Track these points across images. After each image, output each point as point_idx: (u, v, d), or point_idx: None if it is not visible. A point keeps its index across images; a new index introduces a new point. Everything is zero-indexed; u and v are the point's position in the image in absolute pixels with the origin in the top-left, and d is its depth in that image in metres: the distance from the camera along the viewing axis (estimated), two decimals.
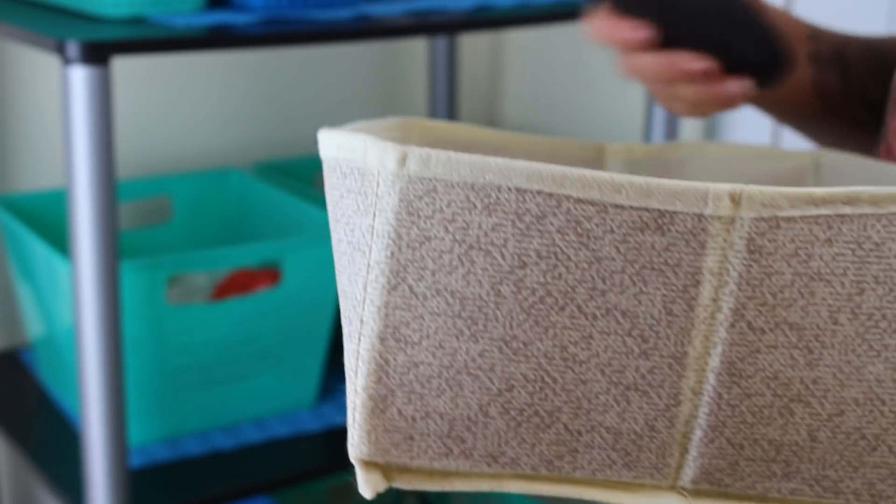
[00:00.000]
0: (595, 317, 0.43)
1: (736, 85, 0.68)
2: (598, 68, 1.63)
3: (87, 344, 1.03)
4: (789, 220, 0.43)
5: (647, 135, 1.46)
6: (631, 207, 0.43)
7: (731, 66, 0.68)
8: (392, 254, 0.43)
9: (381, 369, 0.44)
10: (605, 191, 0.42)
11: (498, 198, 0.42)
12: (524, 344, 0.43)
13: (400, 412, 0.44)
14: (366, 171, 0.43)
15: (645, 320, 0.43)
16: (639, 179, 0.42)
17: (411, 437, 0.44)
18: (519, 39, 1.75)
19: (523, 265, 0.43)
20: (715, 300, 0.44)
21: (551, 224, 0.42)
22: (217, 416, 1.28)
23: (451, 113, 1.66)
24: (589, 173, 0.42)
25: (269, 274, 1.30)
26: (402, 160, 0.42)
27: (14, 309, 1.48)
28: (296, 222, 1.38)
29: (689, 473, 0.46)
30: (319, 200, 1.38)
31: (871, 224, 0.44)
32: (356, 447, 0.44)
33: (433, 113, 1.67)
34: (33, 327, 1.33)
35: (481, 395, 0.44)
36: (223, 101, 1.56)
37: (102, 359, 1.04)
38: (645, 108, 1.47)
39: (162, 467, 1.21)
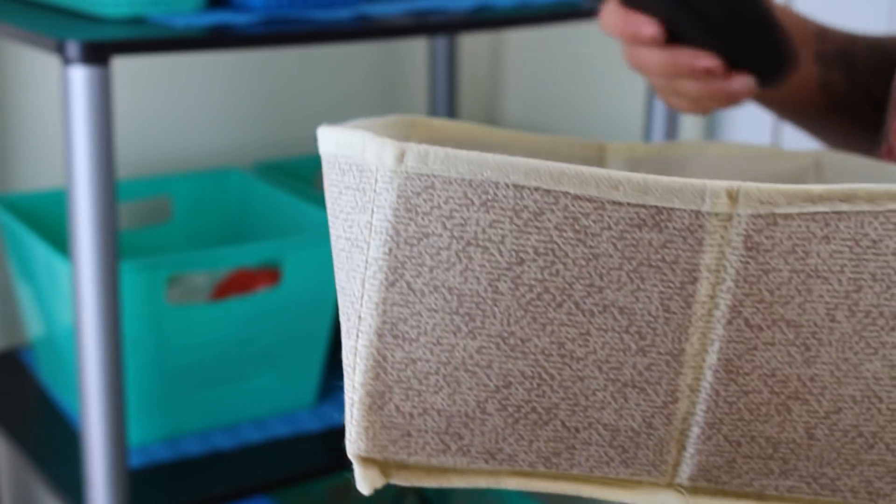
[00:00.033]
0: (592, 313, 0.43)
1: (739, 83, 0.68)
2: (598, 68, 1.63)
3: (87, 344, 1.04)
4: (787, 217, 0.43)
5: (647, 134, 1.46)
6: (628, 204, 0.43)
7: (735, 63, 0.68)
8: (390, 250, 0.43)
9: (378, 365, 0.44)
10: (602, 187, 0.42)
11: (496, 194, 0.42)
12: (521, 340, 0.43)
13: (398, 408, 0.44)
14: (364, 168, 0.44)
15: (642, 317, 0.43)
16: (636, 176, 0.43)
17: (409, 434, 0.44)
18: (519, 39, 1.75)
19: (521, 262, 0.43)
20: (712, 297, 0.44)
21: (549, 221, 0.43)
22: (217, 416, 1.28)
23: (451, 113, 1.66)
24: (586, 170, 0.42)
25: (269, 274, 1.30)
26: (400, 156, 0.43)
27: (14, 309, 1.48)
28: (296, 222, 1.38)
29: (686, 470, 0.46)
30: (319, 200, 1.38)
31: (868, 221, 0.44)
32: (354, 443, 0.44)
33: (433, 113, 1.67)
34: (33, 327, 1.33)
35: (479, 391, 0.44)
36: (223, 101, 1.56)
37: (102, 359, 1.04)
38: (645, 107, 1.47)
39: (162, 467, 1.21)
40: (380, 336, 0.43)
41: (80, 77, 0.98)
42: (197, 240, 1.49)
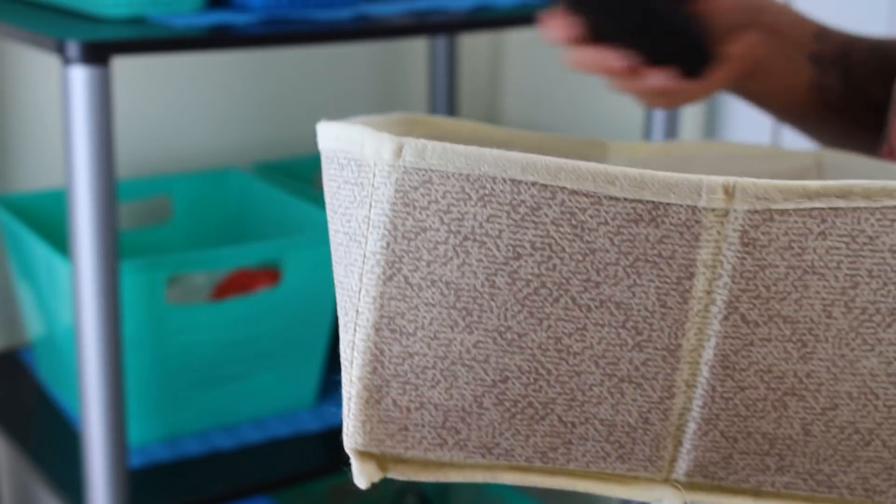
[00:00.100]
0: (589, 308, 0.43)
1: (654, 78, 0.70)
2: None
3: (87, 344, 1.04)
4: (783, 212, 0.43)
5: (647, 134, 1.46)
6: (625, 199, 0.43)
7: (652, 59, 0.70)
8: (388, 244, 0.43)
9: (376, 359, 0.44)
10: (599, 182, 0.43)
11: (493, 189, 0.42)
12: (518, 335, 0.43)
13: (395, 402, 0.44)
14: (362, 162, 0.44)
15: (639, 312, 0.44)
16: (633, 171, 0.43)
17: (406, 428, 0.44)
18: (519, 39, 1.75)
19: (518, 256, 0.43)
20: (709, 292, 0.44)
21: (546, 215, 0.43)
22: (217, 416, 1.28)
23: (452, 113, 1.66)
24: (583, 165, 0.42)
25: (269, 274, 1.30)
26: (398, 151, 0.43)
27: (14, 309, 1.48)
28: (296, 222, 1.38)
29: (682, 466, 0.46)
30: (319, 200, 1.39)
31: (864, 217, 0.44)
32: (351, 437, 0.44)
33: (433, 113, 1.67)
34: (33, 327, 1.33)
35: (476, 386, 0.44)
36: (223, 101, 1.56)
37: (102, 359, 1.04)
38: (645, 107, 1.47)
39: (162, 467, 1.21)
40: (377, 330, 0.44)
41: (80, 77, 0.98)
42: (197, 240, 1.49)
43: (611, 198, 0.43)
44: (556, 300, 0.43)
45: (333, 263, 0.45)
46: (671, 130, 1.43)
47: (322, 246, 1.26)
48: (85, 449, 1.06)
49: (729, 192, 0.43)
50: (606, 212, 0.43)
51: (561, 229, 0.43)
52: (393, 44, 1.67)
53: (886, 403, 0.45)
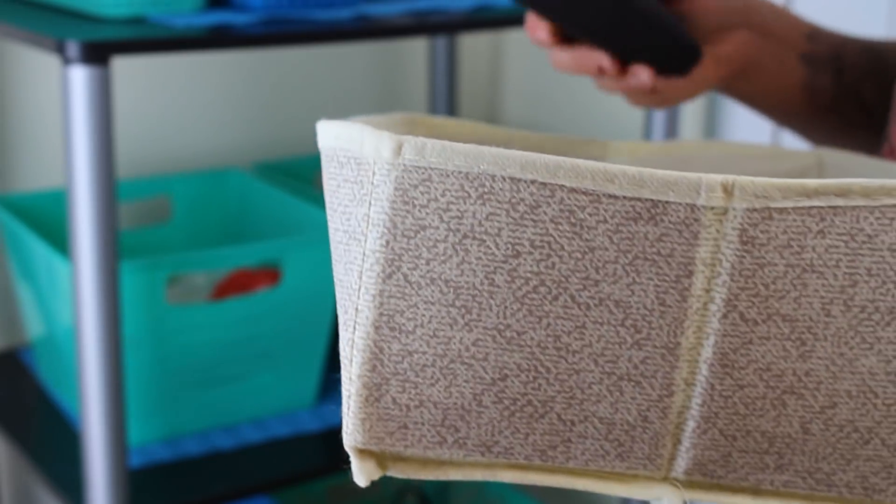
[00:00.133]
0: (588, 307, 0.43)
1: (634, 78, 0.70)
2: None
3: (87, 344, 1.04)
4: (782, 211, 0.43)
5: (646, 134, 1.46)
6: (624, 197, 0.43)
7: (632, 58, 0.70)
8: (387, 242, 0.43)
9: (375, 358, 0.44)
10: (598, 180, 0.43)
11: (492, 187, 0.42)
12: (517, 333, 0.43)
13: (394, 401, 0.44)
14: (362, 161, 0.44)
15: (638, 310, 0.44)
16: (632, 169, 0.43)
17: (405, 426, 0.44)
18: (519, 39, 1.75)
19: (517, 254, 0.43)
20: (707, 291, 0.44)
21: (545, 213, 0.43)
22: (217, 416, 1.28)
23: (452, 113, 1.66)
24: (582, 163, 0.42)
25: (269, 274, 1.30)
26: (398, 149, 0.43)
27: (14, 309, 1.48)
28: (296, 222, 1.38)
29: (681, 464, 0.46)
30: (319, 200, 1.39)
31: (863, 216, 0.44)
32: (350, 435, 0.44)
33: (433, 113, 1.67)
34: (33, 327, 1.33)
35: (475, 384, 0.44)
36: (223, 101, 1.56)
37: (102, 359, 1.04)
38: (635, 106, 1.47)
39: (162, 467, 1.21)
40: (377, 328, 0.44)
41: (80, 77, 0.98)
42: (197, 240, 1.49)
43: (610, 196, 0.43)
44: (555, 298, 0.43)
45: (333, 262, 0.45)
46: (671, 130, 1.43)
47: (322, 246, 1.26)
48: (85, 449, 1.06)
49: (728, 190, 0.43)
50: (605, 210, 0.43)
51: (560, 227, 0.43)
52: (393, 44, 1.67)
53: (885, 402, 0.45)
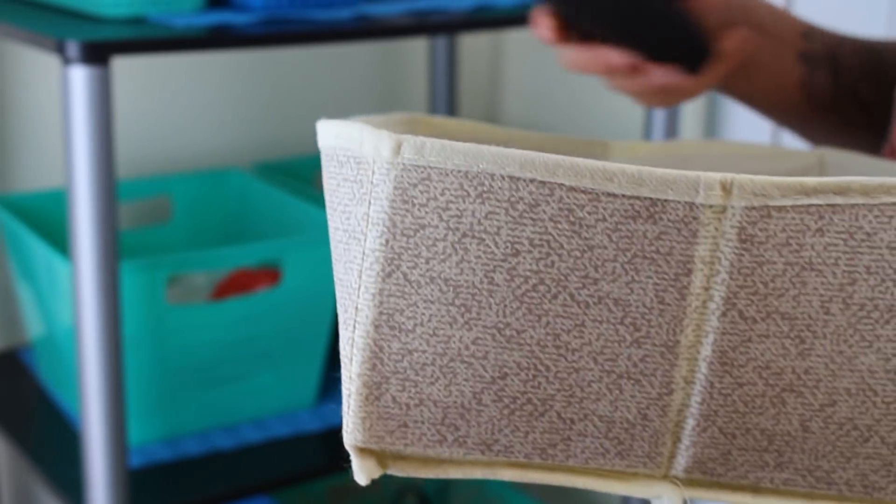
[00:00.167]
0: (587, 305, 0.43)
1: (658, 75, 0.70)
2: None
3: (87, 344, 1.04)
4: (780, 209, 0.43)
5: (646, 134, 1.46)
6: (623, 196, 0.43)
7: (651, 57, 0.70)
8: (387, 241, 0.43)
9: (375, 356, 0.44)
10: (597, 179, 0.43)
11: (491, 186, 0.43)
12: (517, 332, 0.44)
13: (394, 399, 0.44)
14: (361, 160, 0.44)
15: (637, 309, 0.44)
16: (630, 168, 0.43)
17: (405, 425, 0.44)
18: (519, 39, 1.75)
19: (516, 253, 0.43)
20: (706, 289, 0.44)
21: (544, 212, 0.43)
22: (217, 416, 1.28)
23: (452, 113, 1.66)
24: (581, 161, 0.43)
25: (269, 274, 1.30)
26: (397, 148, 0.43)
27: (14, 309, 1.48)
28: (296, 222, 1.38)
29: (681, 462, 0.46)
30: (319, 200, 1.39)
31: (862, 214, 0.44)
32: (351, 434, 0.44)
33: (433, 113, 1.67)
34: (33, 327, 1.33)
35: (475, 382, 0.44)
36: (223, 101, 1.56)
37: (102, 359, 1.04)
38: (643, 106, 1.47)
39: (162, 467, 1.21)
40: (376, 327, 0.44)
41: (80, 77, 0.98)
42: (197, 240, 1.49)
43: (609, 194, 0.43)
44: (555, 297, 0.43)
45: (333, 261, 0.46)
46: (671, 130, 1.43)
47: (322, 246, 1.26)
48: (85, 449, 1.06)
49: (726, 188, 0.43)
50: (604, 208, 0.43)
51: (559, 226, 0.43)
52: (393, 44, 1.67)
53: (885, 400, 0.45)
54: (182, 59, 1.51)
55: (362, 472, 0.44)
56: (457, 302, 0.43)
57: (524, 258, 0.43)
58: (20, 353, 1.46)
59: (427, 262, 0.43)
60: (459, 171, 0.43)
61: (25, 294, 1.32)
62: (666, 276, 0.43)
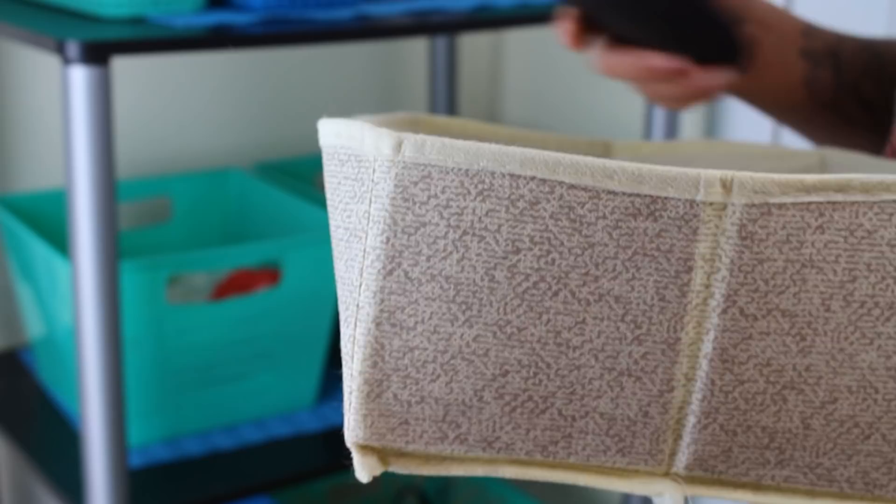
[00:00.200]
0: (588, 302, 0.44)
1: (709, 77, 0.69)
2: None
3: (87, 344, 1.04)
4: (781, 206, 0.44)
5: (647, 134, 1.46)
6: (623, 193, 0.43)
7: (698, 57, 0.69)
8: (387, 239, 0.43)
9: (376, 354, 0.44)
10: (597, 177, 0.43)
11: (492, 183, 0.43)
12: (518, 329, 0.44)
13: (395, 396, 0.44)
14: (362, 158, 0.44)
15: (638, 306, 0.44)
16: (631, 165, 0.43)
17: (407, 422, 0.44)
18: (519, 39, 1.75)
19: (517, 251, 0.43)
20: (707, 286, 0.44)
21: (544, 210, 0.43)
22: (217, 416, 1.28)
23: (451, 113, 1.66)
24: (581, 159, 0.43)
25: (269, 274, 1.30)
26: (398, 146, 0.43)
27: (14, 309, 1.48)
28: (296, 222, 1.38)
29: (682, 460, 0.46)
30: (319, 200, 1.39)
31: (862, 212, 0.44)
32: (352, 431, 0.44)
33: (433, 113, 1.67)
34: (33, 327, 1.33)
35: (476, 379, 0.44)
36: (223, 101, 1.56)
37: (102, 359, 1.04)
38: (645, 107, 1.47)
39: (162, 467, 1.21)
40: (377, 324, 0.44)
41: (80, 77, 0.98)
42: (197, 240, 1.49)
43: (609, 192, 0.43)
44: (556, 294, 0.43)
45: (334, 259, 0.46)
46: (671, 130, 1.43)
47: (322, 246, 1.26)
48: (85, 449, 1.06)
49: (727, 186, 0.43)
50: (605, 206, 0.43)
51: (559, 223, 0.43)
52: (393, 44, 1.67)
53: (886, 397, 0.45)
54: (182, 59, 1.51)
55: (364, 470, 0.44)
56: (458, 299, 0.43)
57: (525, 256, 0.43)
58: (20, 353, 1.46)
59: (428, 260, 0.43)
60: (460, 169, 0.43)
61: (25, 294, 1.32)
62: (667, 274, 0.44)
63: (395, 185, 0.43)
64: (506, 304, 0.43)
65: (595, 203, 0.43)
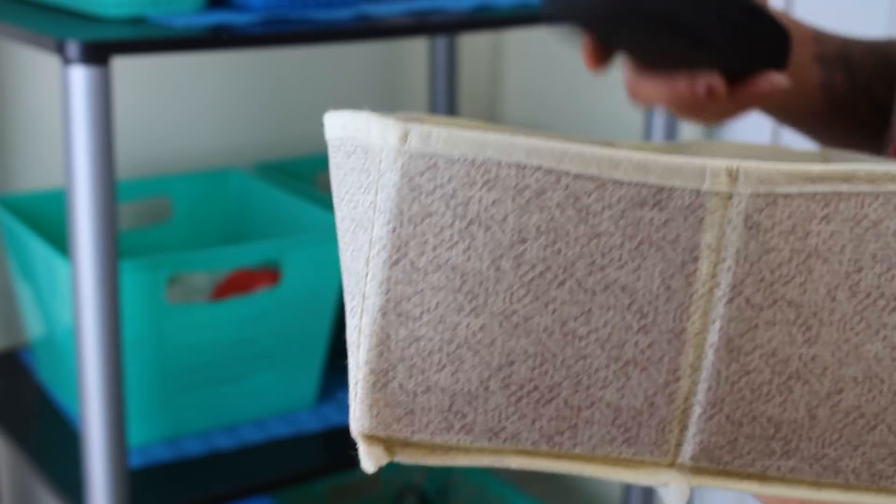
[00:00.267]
0: (594, 292, 0.44)
1: (766, 83, 0.68)
2: None
3: (87, 344, 1.04)
4: (787, 196, 0.44)
5: (646, 134, 1.46)
6: (629, 183, 0.43)
7: (744, 64, 0.67)
8: (394, 229, 0.43)
9: (382, 343, 0.44)
10: (603, 166, 0.43)
11: (498, 173, 0.43)
12: (524, 319, 0.44)
13: (401, 386, 0.44)
14: (369, 149, 0.44)
15: (644, 296, 0.44)
16: (637, 155, 0.43)
17: (412, 412, 0.44)
18: (519, 39, 1.75)
19: (523, 240, 0.43)
20: (713, 276, 0.44)
21: (550, 199, 0.43)
22: (217, 416, 1.28)
23: (451, 113, 1.66)
24: (587, 149, 0.43)
25: (269, 274, 1.30)
26: (404, 136, 0.43)
27: (14, 309, 1.48)
28: (296, 222, 1.38)
29: (688, 450, 0.46)
30: (319, 200, 1.39)
31: (868, 202, 0.44)
32: (358, 421, 0.44)
33: (433, 113, 1.67)
34: (33, 327, 1.33)
35: (482, 369, 0.44)
36: (223, 101, 1.56)
37: (102, 359, 1.04)
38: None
39: (162, 467, 1.21)
40: (384, 314, 0.44)
41: (80, 77, 0.98)
42: (197, 240, 1.49)
43: (615, 182, 0.43)
44: (562, 284, 0.43)
45: (340, 250, 0.46)
46: (671, 130, 1.44)
47: (322, 246, 1.26)
48: (85, 449, 1.06)
49: (733, 175, 0.43)
50: (611, 196, 0.43)
51: (566, 213, 0.43)
52: (393, 44, 1.67)
53: (891, 388, 0.45)
54: (182, 59, 1.51)
55: (370, 460, 0.44)
56: (464, 289, 0.43)
57: (531, 245, 0.43)
58: (20, 353, 1.46)
59: (434, 250, 0.43)
60: (466, 159, 0.43)
61: (25, 294, 1.31)
62: (673, 263, 0.44)
63: (402, 175, 0.43)
64: (512, 293, 0.43)
65: (601, 193, 0.43)
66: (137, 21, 1.10)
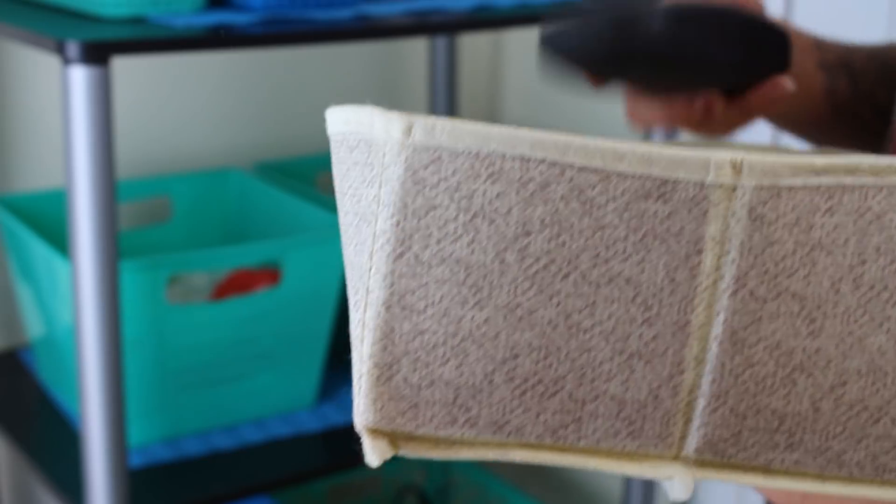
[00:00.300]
0: (598, 284, 0.44)
1: (779, 87, 0.68)
2: None
3: (87, 344, 1.04)
4: (791, 188, 0.44)
5: (646, 134, 1.46)
6: (633, 175, 0.43)
7: (743, 84, 0.67)
8: (398, 222, 0.43)
9: (386, 337, 0.44)
10: (607, 159, 0.43)
11: (502, 166, 0.43)
12: (528, 312, 0.44)
13: (405, 380, 0.44)
14: (372, 142, 0.44)
15: (648, 288, 0.44)
16: (641, 147, 0.43)
17: (417, 405, 0.44)
18: (519, 39, 1.76)
19: (527, 233, 0.43)
20: (717, 268, 0.44)
21: (555, 192, 0.43)
22: (217, 416, 1.28)
23: (452, 113, 1.67)
24: (592, 142, 0.43)
25: (269, 274, 1.30)
26: (408, 130, 0.43)
27: (14, 309, 1.48)
28: (296, 222, 1.38)
29: (692, 443, 0.46)
30: (319, 200, 1.39)
31: (872, 194, 0.44)
32: (362, 415, 0.44)
33: (433, 113, 1.68)
34: (33, 327, 1.33)
35: (486, 362, 0.44)
36: (223, 101, 1.56)
37: (102, 359, 1.04)
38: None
39: (162, 467, 1.21)
40: (388, 308, 0.44)
41: (80, 77, 0.98)
42: (197, 240, 1.49)
43: (619, 174, 0.43)
44: (566, 276, 0.43)
45: (343, 245, 0.46)
46: (671, 130, 1.44)
47: (322, 246, 1.26)
48: (85, 449, 1.06)
49: (737, 167, 0.43)
50: (615, 188, 0.43)
51: (570, 206, 0.43)
52: (393, 44, 1.67)
53: (895, 380, 0.45)
54: (182, 59, 1.51)
55: (374, 454, 0.44)
56: (468, 282, 0.43)
57: (535, 238, 0.43)
58: (20, 353, 1.45)
59: (438, 243, 0.43)
60: (470, 152, 0.43)
61: (25, 294, 1.31)
62: (677, 256, 0.44)
63: (406, 168, 0.43)
64: (516, 286, 0.43)
65: (605, 185, 0.43)
66: (137, 21, 1.10)
